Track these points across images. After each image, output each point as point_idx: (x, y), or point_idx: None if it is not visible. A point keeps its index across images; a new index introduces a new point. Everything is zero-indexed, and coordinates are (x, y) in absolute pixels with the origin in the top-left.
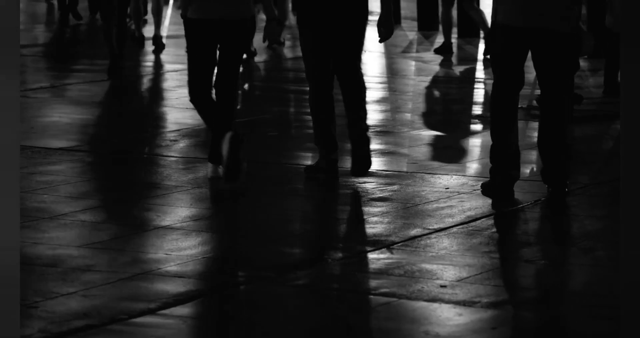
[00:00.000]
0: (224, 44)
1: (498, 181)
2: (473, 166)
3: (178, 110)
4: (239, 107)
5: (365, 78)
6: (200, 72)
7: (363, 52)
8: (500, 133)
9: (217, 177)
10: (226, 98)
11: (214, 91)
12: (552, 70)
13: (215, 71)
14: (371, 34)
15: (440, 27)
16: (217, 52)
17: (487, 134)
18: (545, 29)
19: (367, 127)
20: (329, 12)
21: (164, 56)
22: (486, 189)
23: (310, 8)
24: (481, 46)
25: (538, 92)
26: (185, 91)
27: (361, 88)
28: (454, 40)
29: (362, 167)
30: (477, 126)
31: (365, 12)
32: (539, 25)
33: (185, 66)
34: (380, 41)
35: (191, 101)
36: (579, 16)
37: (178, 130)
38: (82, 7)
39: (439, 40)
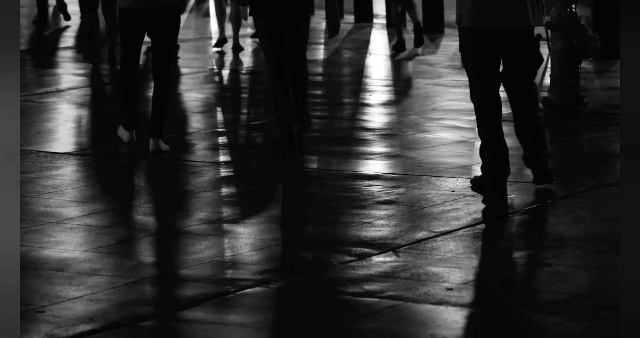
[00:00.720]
0: (155, 30)
1: (492, 177)
2: (479, 168)
3: (185, 113)
4: (246, 111)
5: (371, 81)
6: (132, 60)
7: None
8: (488, 133)
9: (132, 142)
10: (163, 81)
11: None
12: (517, 64)
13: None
14: (377, 37)
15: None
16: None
17: None
18: (505, 27)
19: (309, 118)
20: (278, 4)
21: None
22: (477, 185)
23: (261, 1)
24: None
25: (543, 94)
26: (192, 95)
27: (305, 75)
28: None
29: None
30: None
31: (309, 6)
32: (499, 25)
33: (190, 70)
34: (329, 37)
35: (120, 80)
36: (537, 10)
37: (188, 133)
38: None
39: (445, 42)
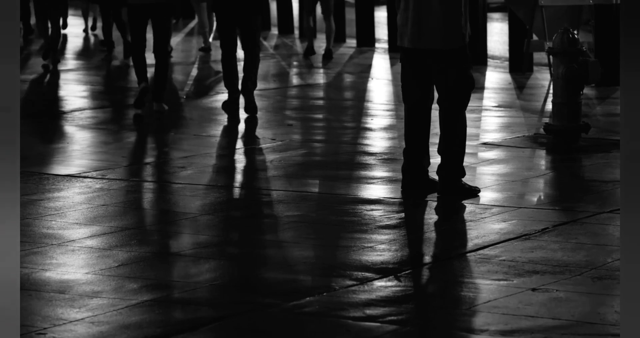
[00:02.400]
0: (153, 21)
1: (407, 179)
2: (481, 193)
3: (185, 137)
4: (246, 134)
5: (372, 105)
6: (138, 41)
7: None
8: (413, 141)
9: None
10: (161, 58)
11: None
12: (441, 87)
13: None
14: (379, 61)
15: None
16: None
17: (495, 161)
18: (429, 49)
19: (254, 84)
20: (231, 3)
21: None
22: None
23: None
24: (489, 73)
25: (545, 120)
26: (191, 115)
27: (254, 59)
28: None
29: (249, 109)
30: (484, 154)
31: (260, 4)
32: (423, 46)
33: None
34: None
35: (133, 60)
36: (461, 31)
37: (185, 157)
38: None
39: None
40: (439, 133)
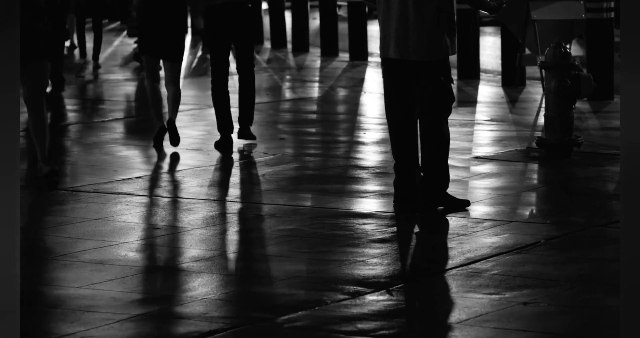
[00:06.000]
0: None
1: (399, 193)
2: (473, 208)
3: (180, 151)
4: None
5: (365, 119)
6: None
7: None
8: (402, 157)
9: None
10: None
11: None
12: (420, 99)
13: None
14: (372, 75)
15: None
16: None
17: (488, 175)
18: (408, 61)
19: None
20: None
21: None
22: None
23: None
24: (481, 87)
25: (538, 134)
26: (185, 132)
27: None
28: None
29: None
30: (476, 168)
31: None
32: (403, 58)
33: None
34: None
35: None
36: (443, 43)
37: (180, 170)
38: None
39: None
40: (420, 147)
